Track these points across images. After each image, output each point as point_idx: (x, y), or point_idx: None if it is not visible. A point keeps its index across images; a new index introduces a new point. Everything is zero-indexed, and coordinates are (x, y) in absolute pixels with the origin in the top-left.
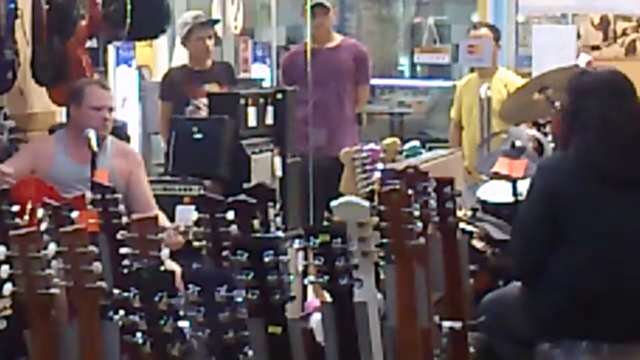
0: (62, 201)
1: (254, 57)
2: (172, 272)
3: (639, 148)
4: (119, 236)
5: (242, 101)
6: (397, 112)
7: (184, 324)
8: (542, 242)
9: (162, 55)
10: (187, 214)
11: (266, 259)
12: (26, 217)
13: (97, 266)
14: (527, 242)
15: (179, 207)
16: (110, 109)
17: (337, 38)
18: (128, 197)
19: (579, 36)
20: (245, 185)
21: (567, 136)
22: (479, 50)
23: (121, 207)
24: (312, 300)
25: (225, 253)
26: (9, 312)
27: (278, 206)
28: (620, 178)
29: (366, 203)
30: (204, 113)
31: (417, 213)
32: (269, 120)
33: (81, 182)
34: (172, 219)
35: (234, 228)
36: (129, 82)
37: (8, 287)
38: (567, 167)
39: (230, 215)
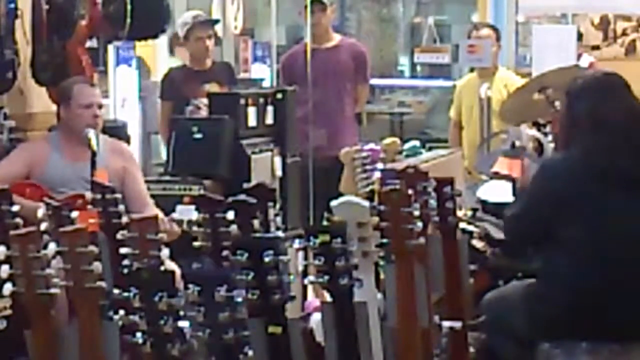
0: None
1: (254, 57)
2: (172, 272)
3: (632, 143)
4: (119, 236)
5: (242, 101)
6: (397, 112)
7: (184, 324)
8: (534, 237)
9: (162, 55)
10: (187, 214)
11: (266, 259)
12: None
13: (97, 266)
14: (519, 237)
15: (179, 207)
16: (100, 106)
17: (336, 38)
18: (123, 194)
19: (580, 36)
20: (245, 185)
21: (565, 139)
22: (479, 50)
23: (121, 207)
24: (312, 300)
25: (225, 253)
26: (9, 312)
27: (278, 206)
28: (617, 176)
29: (366, 203)
30: (204, 113)
31: (417, 213)
32: (269, 120)
33: (76, 181)
34: None
35: (234, 228)
36: (129, 82)
37: (8, 287)
38: (568, 167)
39: (230, 215)
